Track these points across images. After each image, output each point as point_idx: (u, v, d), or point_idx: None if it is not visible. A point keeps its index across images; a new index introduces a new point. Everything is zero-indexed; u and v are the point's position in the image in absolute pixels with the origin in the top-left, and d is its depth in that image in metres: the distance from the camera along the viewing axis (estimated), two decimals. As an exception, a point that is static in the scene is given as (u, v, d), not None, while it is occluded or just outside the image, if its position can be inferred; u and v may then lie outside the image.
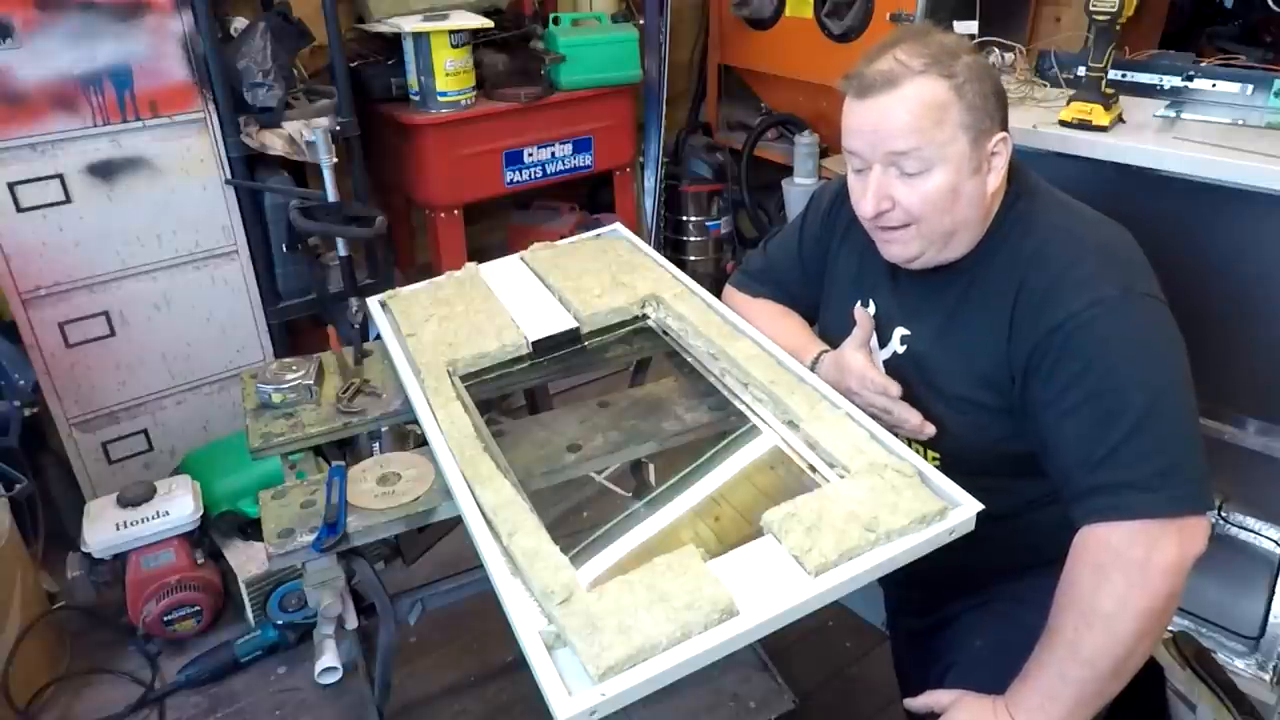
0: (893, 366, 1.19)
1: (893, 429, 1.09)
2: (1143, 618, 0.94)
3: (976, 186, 1.06)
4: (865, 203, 1.08)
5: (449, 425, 1.13)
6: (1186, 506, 0.95)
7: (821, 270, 1.34)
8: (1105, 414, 0.97)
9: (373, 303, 1.49)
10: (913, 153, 1.03)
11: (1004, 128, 1.08)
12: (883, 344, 1.22)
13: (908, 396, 1.13)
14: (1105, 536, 0.96)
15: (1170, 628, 1.64)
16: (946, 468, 1.05)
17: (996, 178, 1.07)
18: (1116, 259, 1.05)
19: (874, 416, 1.11)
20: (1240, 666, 1.59)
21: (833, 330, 1.30)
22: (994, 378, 1.08)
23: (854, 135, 1.08)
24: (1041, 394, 1.02)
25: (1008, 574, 1.17)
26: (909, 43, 1.05)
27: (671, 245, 3.21)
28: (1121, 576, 0.94)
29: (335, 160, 2.02)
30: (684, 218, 3.16)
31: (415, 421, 1.22)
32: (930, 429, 1.11)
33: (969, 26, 2.10)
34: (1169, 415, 0.97)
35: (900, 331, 1.19)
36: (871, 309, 1.23)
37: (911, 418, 1.11)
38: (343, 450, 1.38)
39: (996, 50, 1.86)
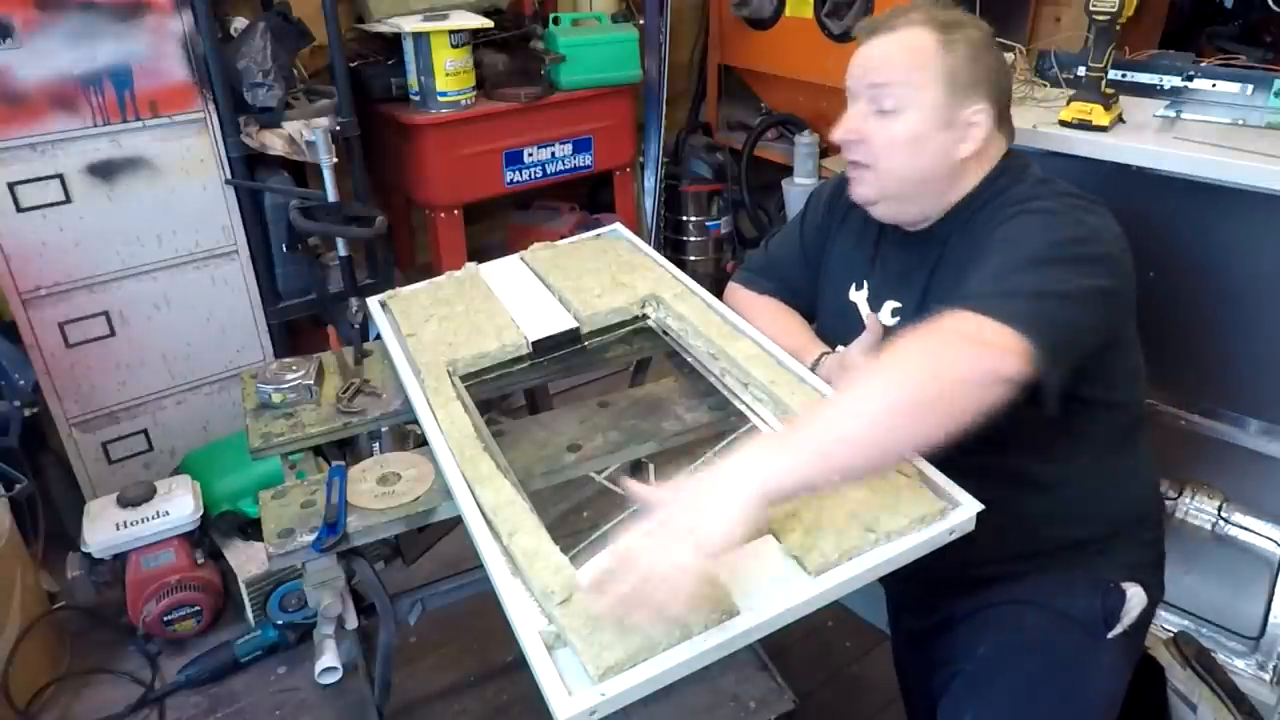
0: (884, 341, 1.20)
1: None
2: (917, 377, 0.87)
3: (943, 144, 1.10)
4: (837, 130, 1.15)
5: (449, 425, 1.13)
6: (1022, 325, 0.90)
7: (820, 261, 1.35)
8: (1007, 257, 1.00)
9: (373, 303, 1.49)
10: (889, 87, 1.09)
11: (990, 102, 1.11)
12: None
13: None
14: (944, 319, 0.93)
15: (1170, 628, 1.65)
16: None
17: (970, 146, 1.11)
18: (1065, 208, 1.07)
19: None
20: (1240, 666, 1.59)
21: (827, 318, 1.32)
22: None
23: (849, 71, 1.15)
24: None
25: (1008, 570, 1.17)
26: (925, 8, 1.12)
27: (671, 245, 3.21)
28: (934, 337, 0.91)
29: (335, 160, 2.03)
30: (684, 218, 3.16)
31: (415, 421, 1.21)
32: None
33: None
34: (1053, 275, 0.97)
35: (891, 304, 1.21)
36: (865, 290, 1.25)
37: None
38: (343, 450, 1.38)
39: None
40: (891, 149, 1.11)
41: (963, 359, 0.88)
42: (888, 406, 0.86)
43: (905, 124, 1.10)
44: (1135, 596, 1.14)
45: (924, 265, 1.17)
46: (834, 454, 0.85)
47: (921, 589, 1.30)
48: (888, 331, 1.20)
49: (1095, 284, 0.98)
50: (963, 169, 1.13)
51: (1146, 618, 1.18)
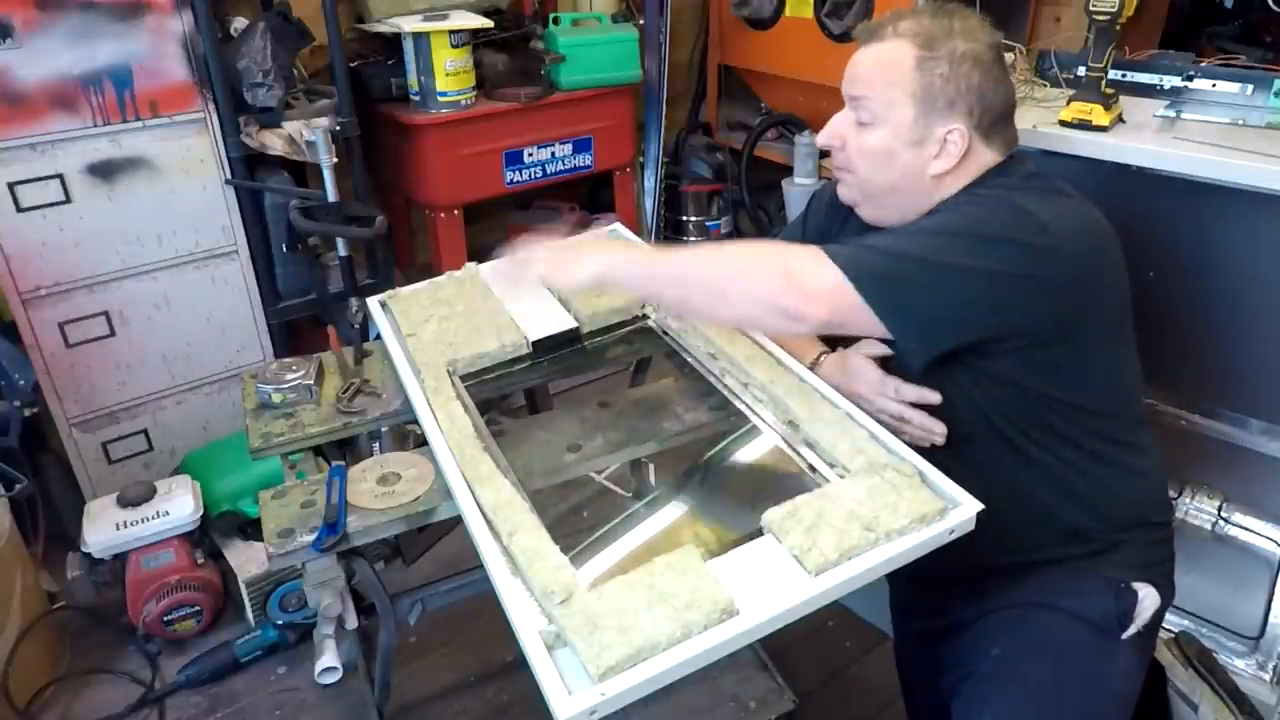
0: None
1: (898, 433, 1.09)
2: (726, 273, 1.05)
3: (914, 159, 1.11)
4: (821, 133, 1.21)
5: (449, 425, 1.13)
6: (845, 263, 0.99)
7: None
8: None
9: (373, 303, 1.49)
10: (863, 100, 1.13)
11: (968, 122, 1.09)
12: None
13: (896, 366, 1.14)
14: (794, 244, 1.09)
15: (1171, 628, 1.65)
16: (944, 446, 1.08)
17: (945, 163, 1.11)
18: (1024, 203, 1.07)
19: (881, 423, 1.10)
20: (1240, 666, 1.59)
21: None
22: None
23: (843, 75, 1.18)
24: None
25: (1013, 565, 1.17)
26: (921, 15, 1.12)
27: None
28: (770, 254, 1.06)
29: (335, 160, 2.03)
30: (684, 218, 3.16)
31: (415, 421, 1.21)
32: (942, 433, 1.11)
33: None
34: (934, 245, 1.01)
35: None
36: None
37: (936, 427, 1.11)
38: (343, 450, 1.38)
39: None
40: (864, 159, 1.14)
41: (764, 281, 1.02)
42: (696, 276, 1.07)
43: (876, 138, 1.12)
44: (1148, 597, 1.14)
45: None
46: (651, 286, 1.14)
47: (928, 589, 1.29)
48: None
49: (994, 266, 0.99)
50: (939, 182, 1.13)
51: (1158, 618, 1.18)
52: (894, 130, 1.10)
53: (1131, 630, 1.12)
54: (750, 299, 1.03)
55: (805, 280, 0.99)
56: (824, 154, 2.62)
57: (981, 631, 1.17)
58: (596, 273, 1.09)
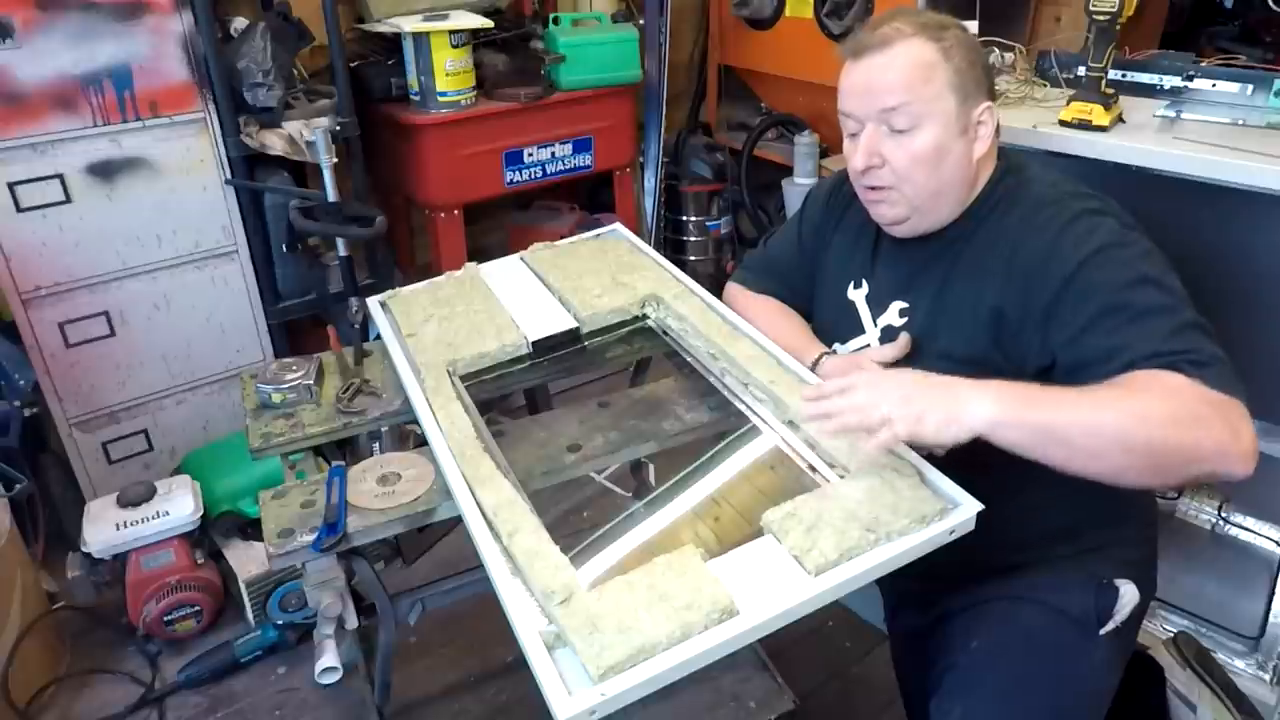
0: (889, 340, 1.20)
1: None
2: (1171, 440, 0.88)
3: (963, 149, 1.11)
4: (856, 158, 1.13)
5: (449, 425, 1.13)
6: (1240, 395, 0.94)
7: (818, 259, 1.35)
8: (1136, 314, 0.99)
9: (373, 303, 1.49)
10: (902, 108, 1.08)
11: (990, 99, 1.12)
12: (875, 319, 1.23)
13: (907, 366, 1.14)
14: (1186, 383, 0.92)
15: (1170, 628, 1.65)
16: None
17: (983, 145, 1.12)
18: (1103, 211, 1.08)
19: None
20: (1240, 666, 1.59)
21: (825, 316, 1.33)
22: (994, 335, 1.09)
23: (848, 96, 1.13)
24: (1066, 332, 1.03)
25: (1000, 561, 1.17)
26: (904, 16, 1.11)
27: (671, 245, 3.21)
28: (1205, 408, 0.90)
29: (335, 160, 2.02)
30: (684, 218, 3.16)
31: (415, 421, 1.22)
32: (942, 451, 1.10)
33: (969, 26, 2.11)
34: (1186, 307, 1.01)
35: (898, 305, 1.20)
36: (865, 289, 1.25)
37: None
38: (343, 450, 1.38)
39: (996, 50, 1.86)
40: (916, 164, 1.09)
41: (1209, 446, 0.89)
42: (1123, 439, 0.88)
43: (924, 138, 1.08)
44: (1128, 594, 1.14)
45: (935, 267, 1.16)
46: (1067, 436, 0.90)
47: (917, 585, 1.29)
48: (896, 332, 1.19)
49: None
50: (979, 167, 1.13)
51: (1139, 614, 1.19)
52: (942, 124, 1.08)
53: (1110, 626, 1.13)
54: (1189, 471, 0.92)
55: (1246, 441, 0.90)
56: (824, 154, 2.64)
57: (964, 624, 1.18)
58: (974, 430, 0.92)
